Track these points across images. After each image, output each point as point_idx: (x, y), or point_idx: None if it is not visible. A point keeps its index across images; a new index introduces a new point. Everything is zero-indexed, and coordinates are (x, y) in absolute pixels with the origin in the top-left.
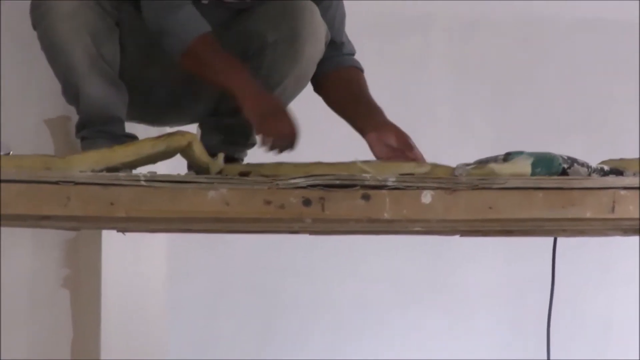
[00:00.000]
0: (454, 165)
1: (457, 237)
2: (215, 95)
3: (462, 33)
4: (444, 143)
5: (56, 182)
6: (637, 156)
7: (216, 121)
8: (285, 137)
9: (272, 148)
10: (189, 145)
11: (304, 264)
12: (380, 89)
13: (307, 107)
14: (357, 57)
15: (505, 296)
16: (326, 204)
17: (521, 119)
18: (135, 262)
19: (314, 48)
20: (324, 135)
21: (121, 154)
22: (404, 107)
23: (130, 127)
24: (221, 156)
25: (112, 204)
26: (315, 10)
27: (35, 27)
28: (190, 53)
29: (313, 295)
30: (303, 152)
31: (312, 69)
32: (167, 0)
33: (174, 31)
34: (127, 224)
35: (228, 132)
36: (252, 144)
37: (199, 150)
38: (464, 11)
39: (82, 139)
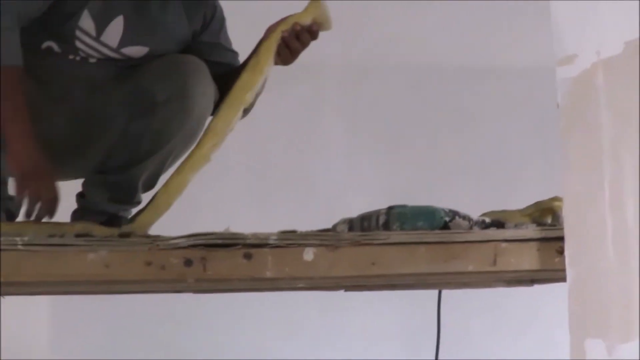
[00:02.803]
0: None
1: (341, 293)
2: (102, 152)
3: (353, 80)
4: (337, 191)
5: None
6: (529, 201)
7: (102, 178)
8: (44, 202)
9: (28, 212)
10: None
11: (197, 317)
12: (274, 136)
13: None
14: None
15: (394, 346)
16: (208, 263)
17: (412, 165)
18: (18, 325)
19: (204, 106)
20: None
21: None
22: (297, 155)
23: None
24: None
25: None
26: (204, 68)
27: None
28: None
29: (207, 348)
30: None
31: (202, 127)
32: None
33: None
34: (5, 287)
35: (113, 190)
36: (138, 202)
37: (101, 233)
38: (355, 58)
39: None
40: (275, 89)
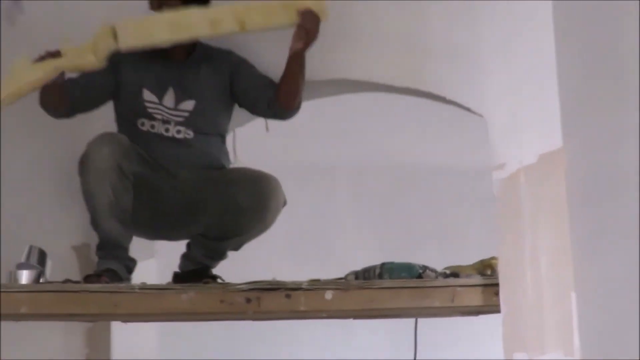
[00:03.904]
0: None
1: (351, 320)
2: (201, 225)
3: (357, 175)
4: (349, 253)
5: (77, 291)
6: (475, 259)
7: (204, 241)
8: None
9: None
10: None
11: (254, 336)
12: (305, 215)
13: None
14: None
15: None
16: (261, 301)
17: (399, 234)
18: (135, 343)
19: (277, 213)
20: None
21: None
22: (320, 228)
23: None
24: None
25: (115, 305)
26: (278, 185)
27: (79, 175)
28: None
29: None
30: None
31: (273, 222)
32: None
33: None
34: (127, 317)
35: (210, 250)
36: (225, 258)
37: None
38: (357, 162)
39: (99, 257)
40: (302, 185)
